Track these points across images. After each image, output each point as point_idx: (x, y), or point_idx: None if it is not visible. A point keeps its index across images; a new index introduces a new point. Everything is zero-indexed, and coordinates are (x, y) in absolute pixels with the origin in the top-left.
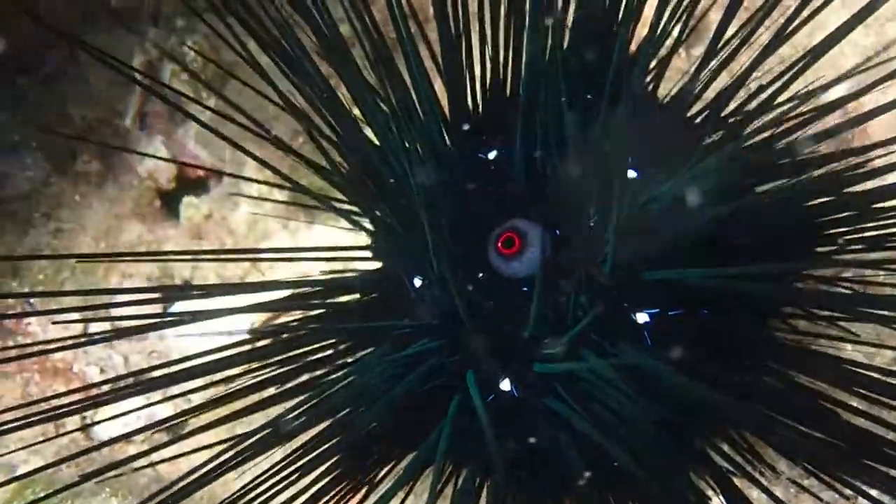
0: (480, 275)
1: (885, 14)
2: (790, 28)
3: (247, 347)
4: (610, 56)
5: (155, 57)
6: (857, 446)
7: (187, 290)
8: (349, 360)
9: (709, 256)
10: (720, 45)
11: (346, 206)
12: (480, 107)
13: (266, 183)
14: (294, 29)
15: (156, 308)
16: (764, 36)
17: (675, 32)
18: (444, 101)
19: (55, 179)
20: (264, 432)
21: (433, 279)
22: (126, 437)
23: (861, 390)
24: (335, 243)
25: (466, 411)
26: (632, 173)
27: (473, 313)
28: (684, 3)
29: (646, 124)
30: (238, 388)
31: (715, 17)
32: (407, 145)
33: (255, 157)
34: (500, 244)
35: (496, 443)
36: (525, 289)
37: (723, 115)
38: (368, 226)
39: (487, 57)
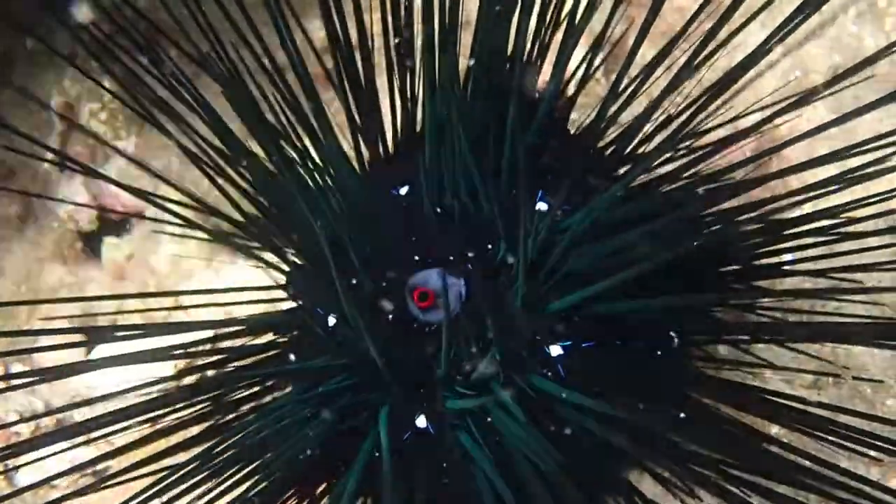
0: (391, 316)
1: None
2: (704, 53)
3: (168, 386)
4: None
5: (73, 97)
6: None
7: (110, 332)
8: (270, 396)
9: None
10: (635, 73)
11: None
12: (391, 143)
13: (183, 225)
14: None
15: (79, 351)
16: (682, 59)
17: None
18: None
19: None
20: (177, 475)
21: (345, 318)
22: (48, 481)
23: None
24: (259, 280)
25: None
26: (541, 205)
27: (388, 351)
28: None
29: (554, 156)
30: (159, 429)
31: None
32: (313, 185)
33: (164, 209)
34: (416, 297)
35: (391, 487)
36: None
37: (637, 141)
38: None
39: (396, 91)
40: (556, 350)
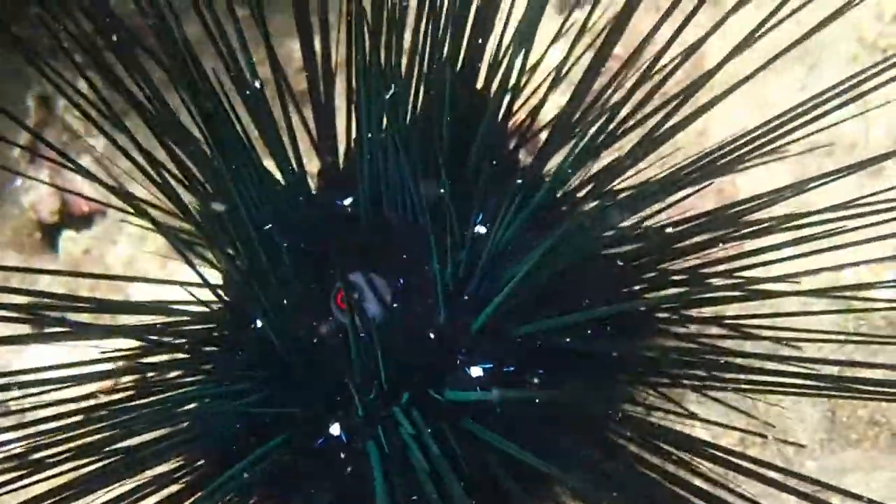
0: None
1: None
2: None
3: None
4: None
5: (50, 91)
6: None
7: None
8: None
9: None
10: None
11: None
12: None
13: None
14: None
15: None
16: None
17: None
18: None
19: None
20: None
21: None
22: None
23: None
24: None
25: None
26: (481, 229)
27: (308, 355)
28: None
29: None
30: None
31: None
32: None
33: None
34: (338, 299)
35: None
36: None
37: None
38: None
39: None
40: (476, 371)
